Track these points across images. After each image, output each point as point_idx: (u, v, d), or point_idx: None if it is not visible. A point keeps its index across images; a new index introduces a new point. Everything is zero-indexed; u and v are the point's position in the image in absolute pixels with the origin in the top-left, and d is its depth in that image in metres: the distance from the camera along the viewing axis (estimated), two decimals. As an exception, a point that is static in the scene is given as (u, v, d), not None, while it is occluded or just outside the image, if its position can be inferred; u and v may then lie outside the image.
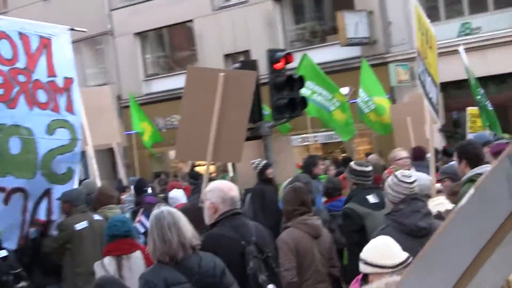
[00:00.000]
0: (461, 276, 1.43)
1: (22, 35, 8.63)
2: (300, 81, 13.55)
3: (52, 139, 8.68)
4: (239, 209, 5.84)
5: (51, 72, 8.80)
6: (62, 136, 8.80)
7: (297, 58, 15.76)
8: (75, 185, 9.20)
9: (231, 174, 14.88)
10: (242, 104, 8.61)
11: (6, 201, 8.35)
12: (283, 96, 13.21)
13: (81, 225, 8.69)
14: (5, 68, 8.39)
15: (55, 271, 9.23)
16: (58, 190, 8.78)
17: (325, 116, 16.19)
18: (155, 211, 5.30)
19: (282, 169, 12.25)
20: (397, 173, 6.00)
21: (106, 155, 22.99)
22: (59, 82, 8.86)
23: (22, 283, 7.78)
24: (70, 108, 8.94)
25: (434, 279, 1.45)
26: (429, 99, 8.13)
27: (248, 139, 14.86)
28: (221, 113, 8.41)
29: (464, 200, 1.33)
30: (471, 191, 1.32)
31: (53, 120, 8.74)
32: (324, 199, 9.82)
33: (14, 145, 8.36)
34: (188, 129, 8.71)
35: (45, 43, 8.83)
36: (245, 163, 11.74)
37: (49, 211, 8.76)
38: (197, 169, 20.66)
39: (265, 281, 5.50)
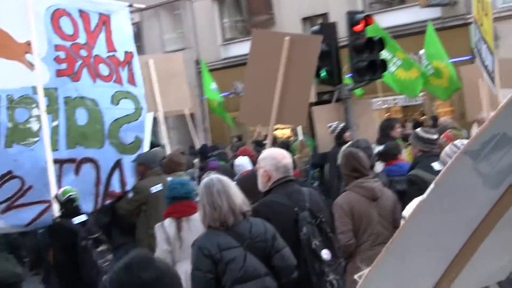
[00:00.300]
0: (451, 263, 1.53)
1: (82, 13, 8.80)
2: (380, 43, 13.34)
3: (117, 109, 8.85)
4: (292, 176, 5.90)
5: (111, 48, 8.97)
6: (126, 106, 8.96)
7: (376, 20, 15.47)
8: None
9: (300, 137, 14.80)
10: (306, 68, 8.58)
11: (76, 171, 8.54)
12: (363, 59, 13.09)
13: (156, 188, 8.79)
14: (67, 44, 8.57)
15: (133, 231, 9.40)
16: (128, 161, 8.92)
17: (389, 79, 15.93)
18: (205, 179, 5.43)
19: (362, 133, 12.14)
20: (456, 142, 5.85)
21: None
22: (120, 56, 9.02)
23: (102, 247, 7.93)
24: (132, 80, 9.10)
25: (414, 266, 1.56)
26: (485, 67, 7.92)
27: (327, 102, 14.76)
28: (286, 76, 8.42)
29: (425, 195, 1.39)
30: (432, 186, 1.39)
31: (117, 91, 8.91)
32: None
33: (80, 116, 8.54)
34: (252, 93, 8.77)
35: (104, 20, 8.99)
36: (324, 125, 11.69)
37: (122, 183, 8.91)
38: (276, 133, 20.65)
39: (318, 246, 5.53)
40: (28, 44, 8.19)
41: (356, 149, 7.23)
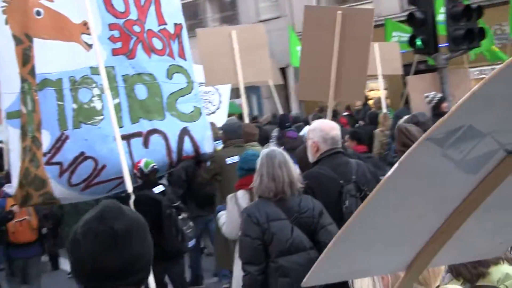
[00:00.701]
0: (430, 240, 1.63)
1: None
2: (478, 11, 12.86)
3: (171, 83, 8.86)
4: (340, 148, 5.99)
5: (161, 21, 8.95)
6: (179, 81, 8.96)
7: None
8: (206, 120, 9.40)
9: (384, 110, 14.37)
10: (361, 41, 8.56)
11: (145, 144, 8.56)
12: (460, 27, 12.68)
13: (231, 159, 8.83)
14: (121, 21, 8.61)
15: (207, 203, 9.70)
16: (194, 127, 8.89)
17: None
18: (266, 150, 5.59)
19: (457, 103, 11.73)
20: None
21: (281, 89, 23.13)
22: (170, 29, 9.00)
23: (183, 215, 8.19)
24: (182, 54, 9.06)
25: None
26: None
27: (423, 71, 14.33)
28: (341, 51, 8.44)
29: (390, 172, 1.45)
30: (396, 164, 1.45)
31: (170, 65, 8.92)
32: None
33: (140, 92, 8.59)
34: (309, 69, 8.79)
35: None
36: (420, 96, 11.47)
37: (195, 146, 8.87)
38: (370, 102, 20.25)
39: None
40: (84, 24, 8.28)
41: (407, 124, 7.19)
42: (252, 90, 25.86)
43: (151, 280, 7.69)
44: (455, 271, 3.45)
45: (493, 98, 1.34)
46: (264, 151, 5.61)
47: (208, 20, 31.65)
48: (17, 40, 8.12)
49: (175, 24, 9.06)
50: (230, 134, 9.35)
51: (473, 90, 1.32)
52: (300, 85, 9.21)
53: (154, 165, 8.14)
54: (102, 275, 2.30)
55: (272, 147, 5.92)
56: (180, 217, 8.07)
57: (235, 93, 15.02)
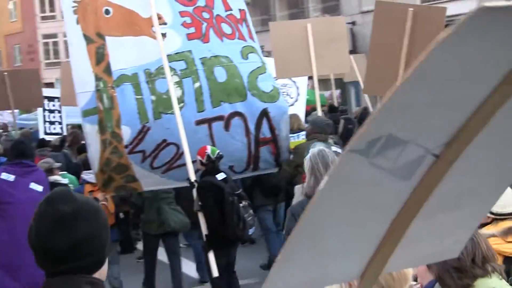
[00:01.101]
0: (377, 250, 1.62)
1: None
2: None
3: (249, 62, 8.97)
4: None
5: (227, 7, 9.11)
6: (255, 60, 9.09)
7: None
8: (286, 103, 9.57)
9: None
10: (432, 39, 8.41)
11: (226, 127, 8.73)
12: None
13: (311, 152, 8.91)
14: (189, 9, 8.79)
15: (273, 193, 9.93)
16: (273, 108, 8.97)
17: None
18: (315, 150, 5.65)
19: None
20: None
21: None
22: (236, 14, 9.14)
23: (244, 203, 8.23)
24: (251, 36, 9.23)
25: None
26: None
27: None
28: (410, 49, 8.36)
29: (322, 185, 1.43)
30: (326, 178, 1.42)
31: (243, 46, 9.04)
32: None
33: (219, 74, 8.71)
34: (377, 64, 8.80)
35: None
36: None
37: (271, 128, 8.97)
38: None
39: None
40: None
41: None
42: (351, 82, 25.67)
43: (213, 264, 7.92)
44: (442, 282, 3.51)
45: (406, 107, 1.34)
46: (313, 151, 5.64)
47: (310, 10, 31.59)
48: (88, 40, 8.45)
49: (240, 10, 9.24)
50: (317, 129, 9.50)
51: (383, 102, 1.32)
52: (367, 79, 9.29)
53: (219, 152, 8.25)
54: (50, 257, 2.37)
55: (319, 147, 5.91)
56: (241, 204, 8.14)
57: (322, 85, 15.10)
